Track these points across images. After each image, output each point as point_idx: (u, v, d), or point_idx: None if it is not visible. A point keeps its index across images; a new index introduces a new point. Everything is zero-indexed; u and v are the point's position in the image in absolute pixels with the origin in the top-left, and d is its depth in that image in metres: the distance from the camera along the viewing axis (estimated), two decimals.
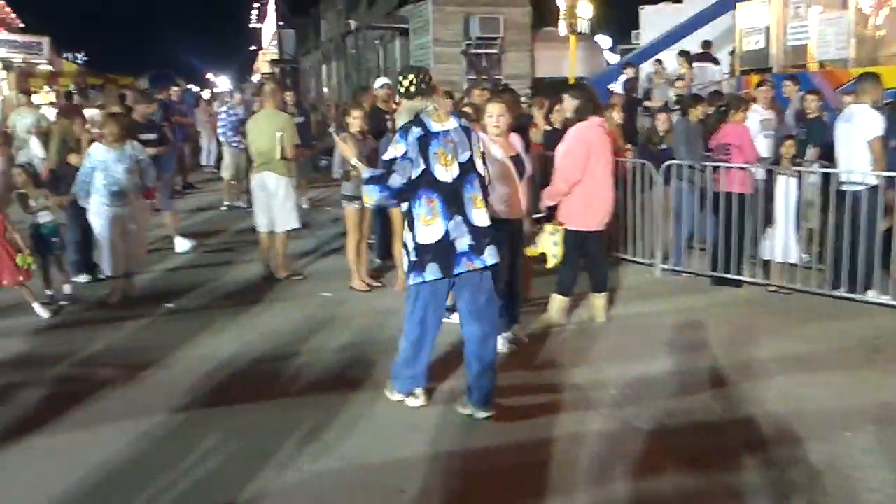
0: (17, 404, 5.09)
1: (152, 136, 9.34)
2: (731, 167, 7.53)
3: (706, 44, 15.31)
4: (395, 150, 4.60)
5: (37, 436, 4.63)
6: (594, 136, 6.41)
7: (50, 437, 4.62)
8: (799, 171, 7.45)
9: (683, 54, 14.89)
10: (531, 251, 6.39)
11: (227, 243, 10.30)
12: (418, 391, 4.99)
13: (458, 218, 4.61)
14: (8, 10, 18.36)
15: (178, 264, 9.13)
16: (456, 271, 4.63)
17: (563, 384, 5.34)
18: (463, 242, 4.62)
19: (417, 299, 4.75)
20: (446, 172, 4.59)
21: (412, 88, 4.79)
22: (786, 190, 7.41)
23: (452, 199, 4.61)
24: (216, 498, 3.94)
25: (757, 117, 8.06)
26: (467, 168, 4.67)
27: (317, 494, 3.99)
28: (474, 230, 4.66)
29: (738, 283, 7.66)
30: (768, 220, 7.57)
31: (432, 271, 4.60)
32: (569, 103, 6.55)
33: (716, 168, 7.76)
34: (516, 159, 5.86)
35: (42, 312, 7.01)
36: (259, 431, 4.64)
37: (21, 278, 6.86)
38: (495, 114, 5.76)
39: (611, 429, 4.65)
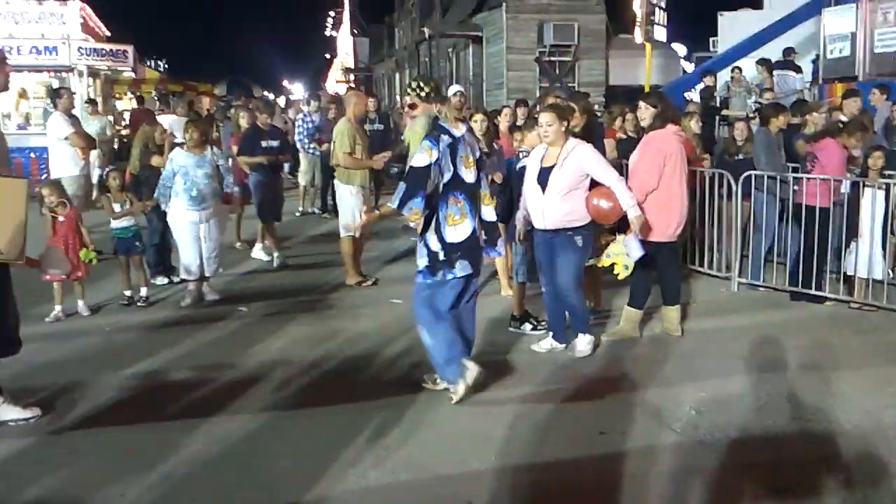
0: (94, 402, 5.22)
1: (275, 143, 9.72)
2: (813, 178, 7.28)
3: (788, 51, 14.90)
4: (428, 155, 4.87)
5: (111, 433, 4.75)
6: (670, 144, 6.28)
7: (124, 434, 4.73)
8: (887, 184, 7.16)
9: (763, 62, 14.52)
10: (603, 262, 6.29)
11: (301, 248, 10.44)
12: (468, 366, 5.05)
13: (478, 216, 5.13)
14: (96, 19, 19.00)
15: (253, 268, 9.29)
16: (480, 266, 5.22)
17: (637, 398, 5.23)
18: (482, 238, 5.16)
19: (436, 294, 5.10)
20: (470, 174, 5.05)
21: (433, 94, 5.20)
22: (872, 202, 7.13)
23: (474, 199, 5.09)
24: (281, 499, 3.98)
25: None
26: (479, 169, 5.14)
27: (379, 501, 4.00)
28: (487, 226, 5.24)
29: (819, 300, 7.39)
30: (853, 233, 7.29)
31: (462, 268, 5.04)
32: (644, 111, 6.44)
33: (797, 179, 7.52)
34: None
35: (84, 311, 7.24)
36: (327, 434, 4.67)
37: (80, 273, 7.05)
38: (544, 123, 5.82)
39: (685, 445, 4.53)
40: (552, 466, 4.31)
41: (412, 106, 5.37)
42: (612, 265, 6.26)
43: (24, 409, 4.91)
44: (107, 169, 7.95)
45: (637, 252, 6.02)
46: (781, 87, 14.19)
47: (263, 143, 9.56)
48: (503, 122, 8.63)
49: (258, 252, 9.69)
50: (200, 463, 4.36)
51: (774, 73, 14.44)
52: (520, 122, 8.74)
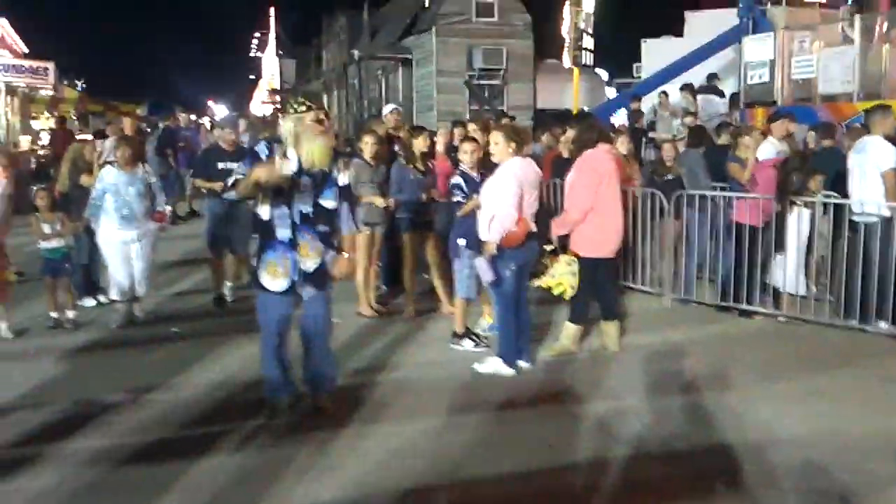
0: (23, 428, 4.99)
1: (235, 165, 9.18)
2: (743, 198, 7.52)
3: (712, 76, 15.43)
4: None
5: (41, 459, 4.54)
6: (604, 163, 6.41)
7: (54, 460, 4.53)
8: (812, 203, 7.44)
9: (687, 87, 14.99)
10: (546, 282, 6.35)
11: (230, 269, 10.21)
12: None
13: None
14: (14, 35, 18.41)
15: (183, 289, 9.07)
16: None
17: (582, 412, 5.27)
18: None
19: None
20: None
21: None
22: (798, 221, 7.39)
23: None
24: None
25: (772, 150, 8.08)
26: None
27: None
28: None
29: (749, 314, 7.61)
30: (778, 248, 7.54)
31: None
32: (576, 132, 6.57)
33: (728, 199, 7.76)
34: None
35: (6, 333, 6.98)
36: (270, 455, 4.57)
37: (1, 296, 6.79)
38: (492, 141, 6.08)
39: (632, 457, 4.58)
40: (502, 480, 4.31)
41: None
42: (558, 285, 6.33)
43: None
44: (35, 188, 7.66)
45: (487, 275, 6.00)
46: (706, 110, 14.67)
47: (220, 165, 7.93)
48: (440, 143, 8.67)
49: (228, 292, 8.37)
50: (139, 490, 4.21)
51: (699, 97, 14.93)
52: (457, 143, 8.79)
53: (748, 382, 5.84)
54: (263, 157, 4.76)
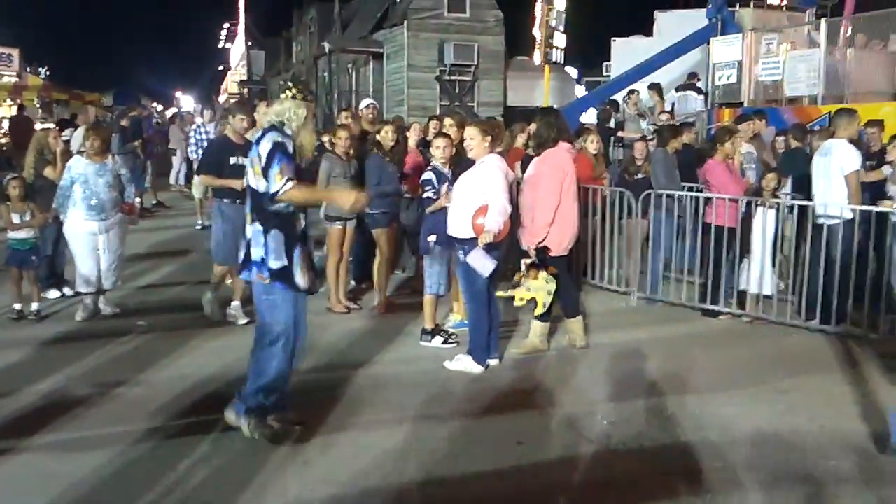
0: None
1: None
2: (711, 198, 7.63)
3: (692, 75, 15.59)
4: None
5: (10, 452, 4.50)
6: (566, 161, 6.46)
7: (25, 454, 4.49)
8: (777, 204, 7.57)
9: (654, 87, 15.12)
10: (520, 294, 6.38)
11: (198, 262, 10.15)
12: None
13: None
14: None
15: (150, 282, 8.99)
16: None
17: (551, 409, 5.33)
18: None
19: None
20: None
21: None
22: (763, 222, 7.51)
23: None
24: None
25: (743, 150, 8.20)
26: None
27: None
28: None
29: (714, 314, 7.73)
30: (745, 250, 7.66)
31: None
32: (535, 129, 6.58)
33: (697, 199, 7.87)
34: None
35: None
36: (241, 451, 4.56)
37: None
38: (468, 136, 6.07)
39: (600, 454, 4.64)
40: (472, 478, 4.34)
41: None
42: (532, 300, 6.38)
43: None
44: (8, 176, 7.53)
45: (483, 268, 5.92)
46: (683, 108, 14.84)
47: (232, 160, 7.03)
48: (412, 137, 8.68)
49: (238, 312, 7.34)
50: (109, 485, 4.18)
51: (677, 94, 15.10)
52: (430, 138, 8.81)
53: (712, 381, 5.94)
54: (289, 144, 4.44)
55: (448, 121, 7.60)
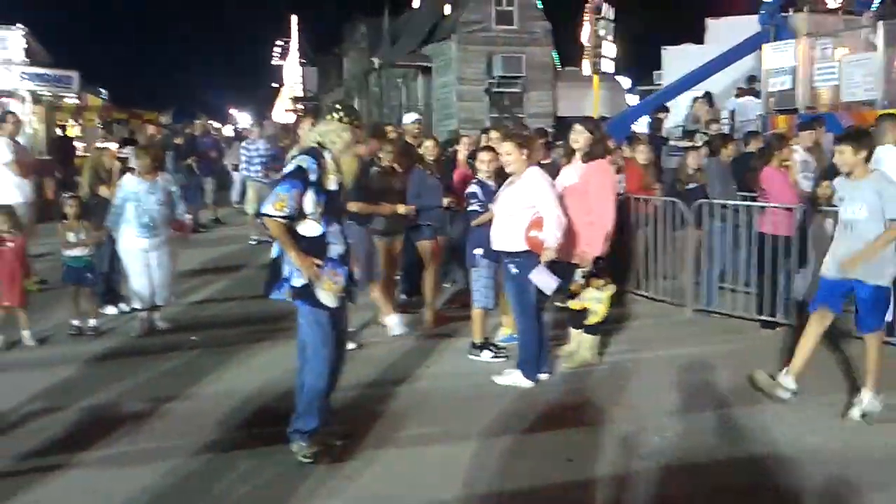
0: (45, 436, 5.02)
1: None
2: (766, 207, 7.44)
3: (751, 79, 15.34)
4: None
5: (64, 468, 4.56)
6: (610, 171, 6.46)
7: (76, 469, 4.56)
8: (833, 213, 7.33)
9: (704, 97, 14.89)
10: (573, 304, 6.30)
11: (251, 277, 10.26)
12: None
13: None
14: (40, 45, 18.63)
15: (204, 297, 9.11)
16: None
17: (602, 425, 5.22)
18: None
19: None
20: None
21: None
22: (819, 231, 7.29)
23: None
24: None
25: (797, 159, 7.99)
26: None
27: None
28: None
29: (772, 325, 7.52)
30: (803, 260, 7.45)
31: None
32: (580, 135, 6.43)
33: (750, 208, 7.68)
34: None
35: (29, 341, 7.00)
36: (285, 466, 4.56)
37: (10, 303, 6.83)
38: (504, 152, 6.01)
39: (653, 471, 4.51)
40: (521, 495, 4.27)
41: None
42: (584, 310, 6.29)
43: None
44: (64, 195, 7.72)
45: (547, 286, 5.85)
46: (743, 115, 14.59)
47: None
48: (462, 152, 8.66)
49: (395, 323, 7.37)
50: (159, 500, 4.21)
51: (737, 100, 14.86)
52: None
53: (768, 395, 5.75)
54: (312, 172, 4.46)
55: (493, 133, 7.55)
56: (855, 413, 5.28)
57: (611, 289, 6.31)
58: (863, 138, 5.48)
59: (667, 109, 15.10)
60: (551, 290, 5.89)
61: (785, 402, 5.51)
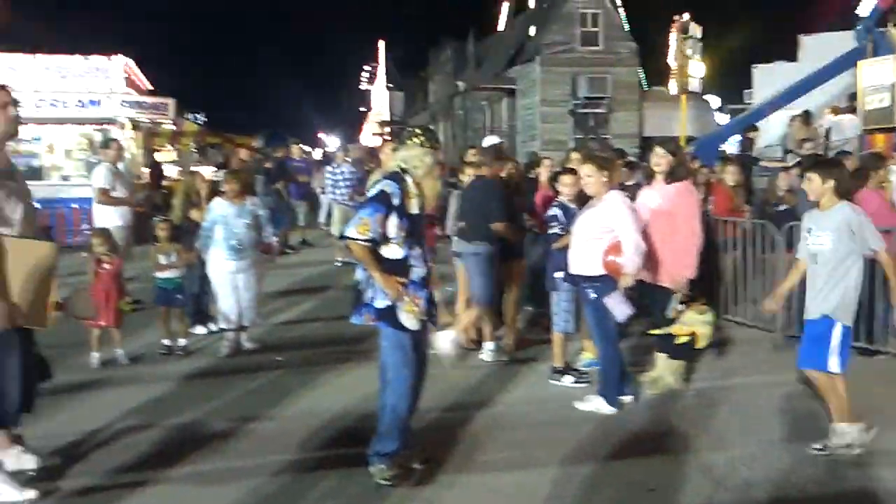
0: (135, 451, 5.18)
1: None
2: None
3: (853, 96, 14.89)
4: None
5: (153, 483, 4.70)
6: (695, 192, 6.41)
7: (165, 485, 4.69)
8: None
9: (799, 116, 14.49)
10: (677, 330, 6.18)
11: (337, 298, 10.41)
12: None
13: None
14: (139, 73, 19.46)
15: (289, 318, 9.28)
16: None
17: (685, 454, 5.07)
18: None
19: None
20: None
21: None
22: None
23: None
24: None
25: (894, 179, 7.67)
26: None
27: None
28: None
29: (871, 353, 7.18)
30: None
31: None
32: (661, 157, 6.32)
33: None
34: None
35: (122, 359, 7.22)
36: (367, 487, 4.58)
37: (105, 322, 7.02)
38: (584, 174, 6.00)
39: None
40: None
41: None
42: (692, 335, 6.16)
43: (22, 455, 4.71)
44: (157, 219, 8.02)
45: (621, 313, 5.76)
46: (839, 134, 14.15)
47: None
48: (543, 174, 8.62)
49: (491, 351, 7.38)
50: None
51: (838, 117, 14.44)
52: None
53: (868, 425, 5.48)
54: (395, 196, 4.52)
55: (574, 155, 7.50)
56: (819, 445, 5.04)
57: (712, 311, 6.16)
58: (831, 167, 5.27)
59: (756, 129, 14.75)
60: (624, 318, 5.80)
61: (882, 436, 5.24)
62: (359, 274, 4.69)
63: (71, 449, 5.16)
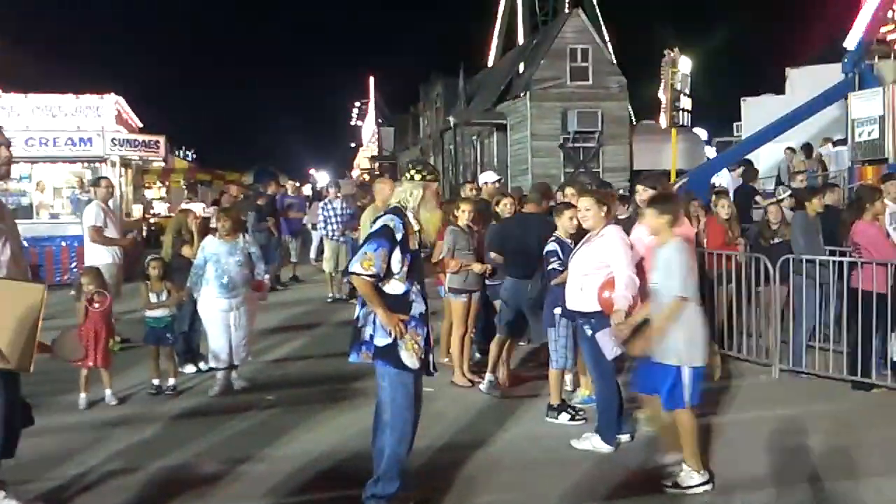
0: (118, 497, 5.04)
1: None
2: (857, 262, 7.12)
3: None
4: None
5: None
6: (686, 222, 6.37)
7: None
8: None
9: (801, 147, 14.62)
10: None
11: (328, 335, 10.33)
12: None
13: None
14: (129, 112, 19.50)
15: (280, 355, 9.17)
16: None
17: (683, 495, 4.98)
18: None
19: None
20: None
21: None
22: None
23: None
24: None
25: (886, 211, 7.66)
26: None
27: None
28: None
29: (867, 387, 7.12)
30: None
31: None
32: (643, 193, 6.36)
33: (841, 263, 7.36)
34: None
35: (111, 400, 7.10)
36: None
37: (93, 363, 6.89)
38: (583, 207, 5.93)
39: None
40: None
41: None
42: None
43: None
44: (148, 257, 7.92)
45: (610, 351, 5.64)
46: (837, 165, 14.25)
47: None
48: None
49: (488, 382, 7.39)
50: None
51: (829, 150, 14.54)
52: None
53: (872, 463, 5.42)
54: (399, 231, 4.49)
55: (569, 190, 7.48)
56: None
57: (714, 345, 6.07)
58: (666, 202, 5.21)
59: (750, 163, 14.83)
60: (612, 356, 5.68)
61: (881, 474, 5.17)
62: (357, 310, 4.61)
63: (57, 493, 5.03)
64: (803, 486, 5.06)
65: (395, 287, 4.53)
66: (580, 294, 5.81)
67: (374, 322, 4.49)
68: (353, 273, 4.47)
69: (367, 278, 4.43)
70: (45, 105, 17.10)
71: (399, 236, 4.48)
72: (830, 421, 6.39)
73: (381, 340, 4.49)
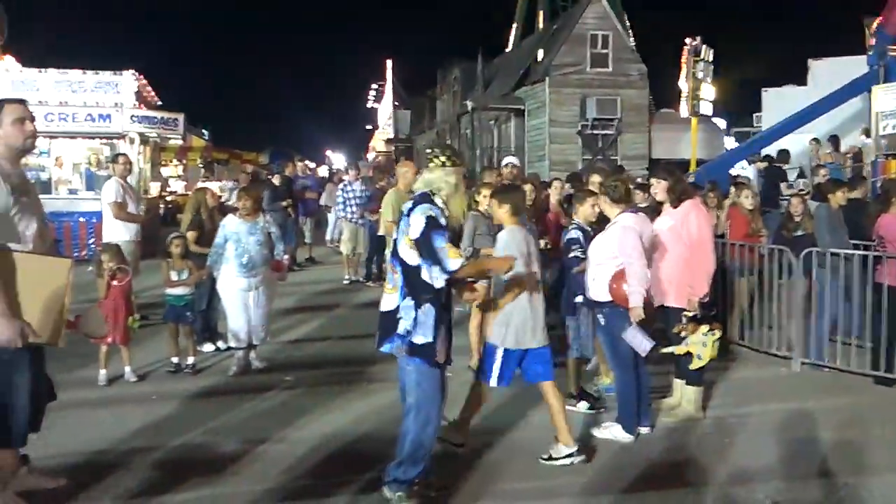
0: (136, 475, 5.06)
1: None
2: (882, 256, 7.04)
3: None
4: None
5: None
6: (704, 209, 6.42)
7: None
8: None
9: (820, 140, 14.45)
10: (677, 349, 6.06)
11: (346, 317, 10.33)
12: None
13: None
14: (149, 88, 19.44)
15: (298, 336, 9.17)
16: None
17: (705, 485, 4.96)
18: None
19: None
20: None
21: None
22: None
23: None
24: None
25: None
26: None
27: None
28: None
29: (889, 382, 7.06)
30: None
31: None
32: (657, 185, 6.34)
33: (865, 258, 7.28)
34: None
35: (130, 377, 7.12)
36: None
37: (113, 339, 6.87)
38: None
39: None
40: None
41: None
42: (688, 354, 6.04)
43: (49, 479, 4.72)
44: (171, 235, 7.91)
45: (641, 346, 5.61)
46: (867, 157, 14.12)
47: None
48: (554, 196, 8.54)
49: None
50: None
51: (864, 141, 14.39)
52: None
53: (893, 460, 5.36)
54: (441, 217, 4.42)
55: (594, 177, 7.41)
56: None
57: (717, 333, 6.02)
58: (506, 193, 5.55)
59: (761, 157, 14.72)
60: (645, 352, 5.64)
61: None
62: (398, 300, 4.48)
63: (76, 470, 5.04)
64: (823, 480, 5.02)
65: (437, 279, 4.42)
66: (593, 284, 5.78)
67: (414, 319, 4.40)
68: (454, 272, 4.38)
69: (465, 261, 4.47)
70: (63, 80, 17.09)
71: (444, 222, 4.43)
72: (852, 415, 6.34)
73: (421, 338, 4.40)
